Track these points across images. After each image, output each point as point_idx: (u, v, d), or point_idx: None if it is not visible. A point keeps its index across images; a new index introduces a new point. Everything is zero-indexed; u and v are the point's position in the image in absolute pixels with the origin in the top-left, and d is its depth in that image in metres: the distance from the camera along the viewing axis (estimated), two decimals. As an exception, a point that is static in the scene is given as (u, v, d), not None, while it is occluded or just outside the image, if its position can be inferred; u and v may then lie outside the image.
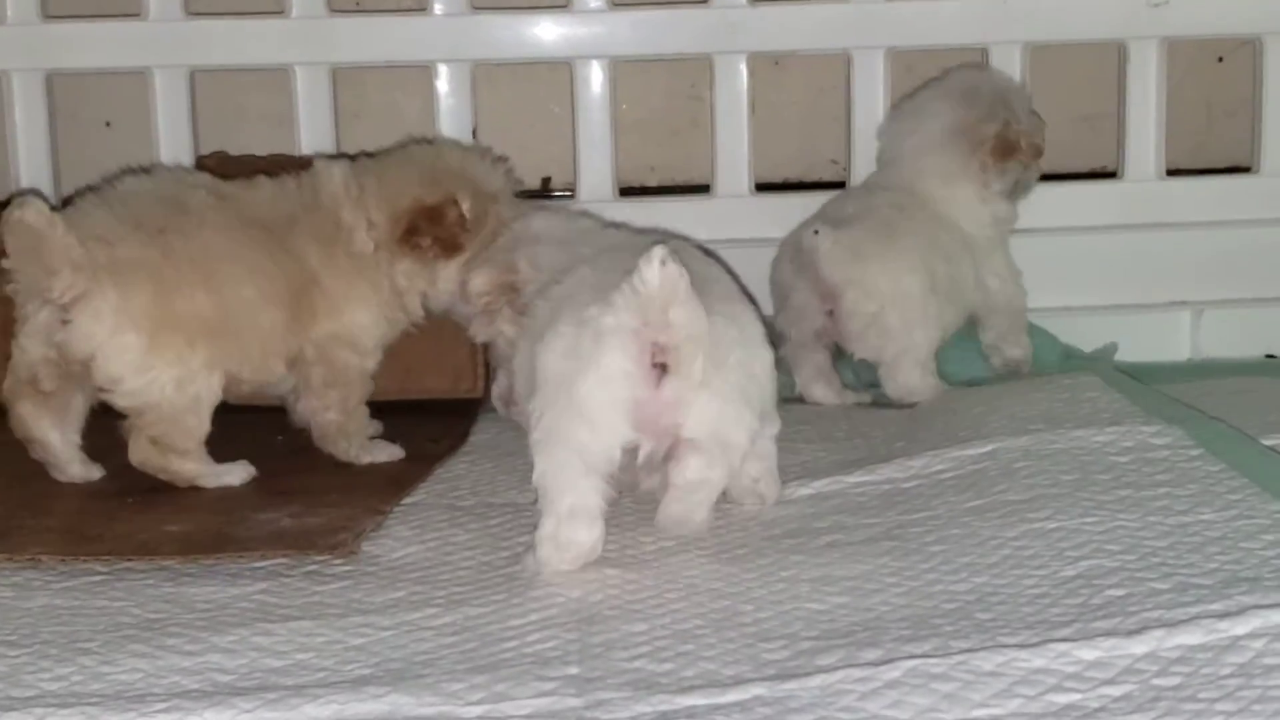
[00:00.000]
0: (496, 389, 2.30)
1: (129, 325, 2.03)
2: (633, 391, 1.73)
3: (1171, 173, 2.84)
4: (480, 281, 2.18)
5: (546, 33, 2.78)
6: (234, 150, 2.65)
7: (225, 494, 2.11)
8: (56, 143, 2.78)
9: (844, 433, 2.33)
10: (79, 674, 1.50)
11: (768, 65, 2.93)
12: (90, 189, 2.21)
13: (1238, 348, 2.78)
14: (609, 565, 1.77)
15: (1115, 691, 1.36)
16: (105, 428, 2.18)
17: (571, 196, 2.83)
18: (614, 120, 2.79)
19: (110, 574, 1.80)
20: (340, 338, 2.24)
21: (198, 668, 1.51)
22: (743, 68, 2.79)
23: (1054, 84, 2.85)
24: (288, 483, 2.14)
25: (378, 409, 2.39)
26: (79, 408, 2.13)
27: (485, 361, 2.54)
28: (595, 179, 2.80)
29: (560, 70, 2.82)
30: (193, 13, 2.75)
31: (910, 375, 2.46)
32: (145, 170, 2.29)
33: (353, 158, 2.39)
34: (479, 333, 2.25)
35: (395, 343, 2.37)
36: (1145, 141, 2.81)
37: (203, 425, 2.11)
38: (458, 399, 2.51)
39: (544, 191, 3.02)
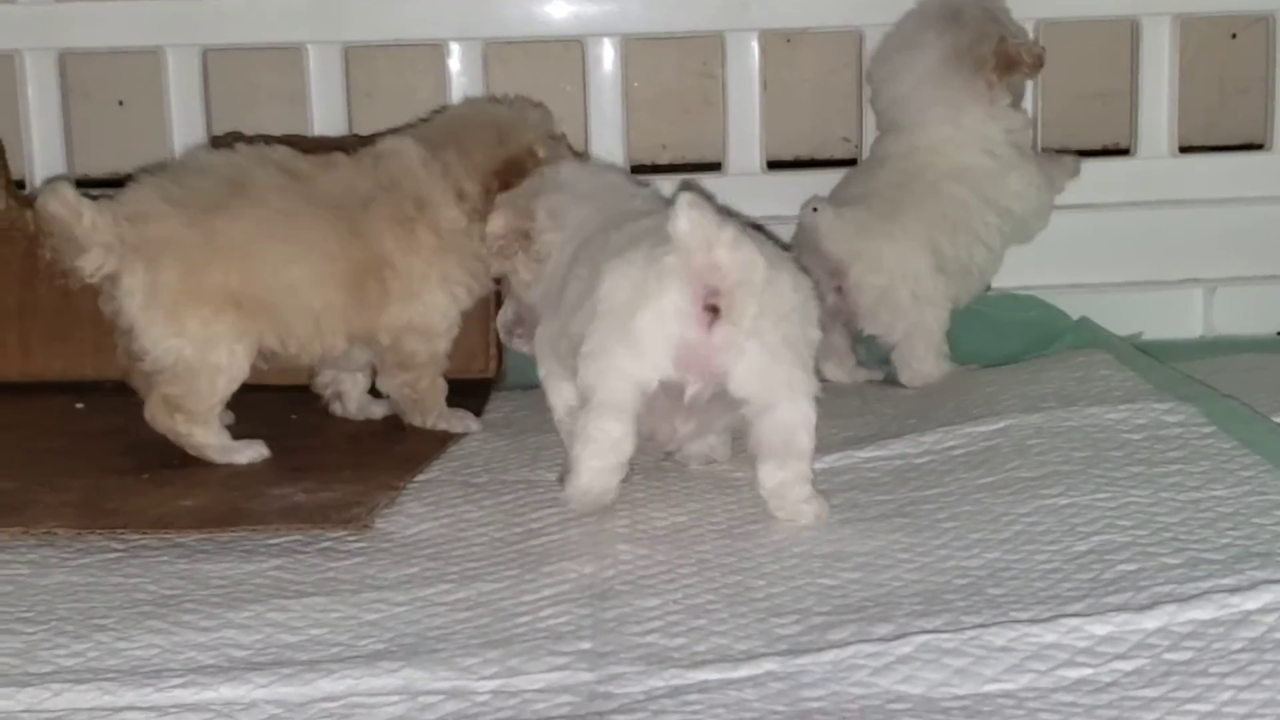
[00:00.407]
0: (502, 316, 2.30)
1: (156, 301, 2.08)
2: (683, 330, 1.78)
3: (1184, 150, 2.83)
4: (496, 225, 2.17)
5: (558, 10, 2.77)
6: (247, 130, 2.64)
7: (239, 470, 2.12)
8: (69, 122, 2.78)
9: (855, 409, 2.33)
10: (95, 650, 1.51)
11: (779, 43, 2.93)
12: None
13: (1250, 325, 2.78)
14: (621, 541, 1.78)
15: (1127, 666, 1.37)
16: (119, 405, 2.20)
17: (583, 174, 2.82)
18: (626, 98, 2.79)
19: (126, 550, 1.81)
20: (414, 325, 2.25)
21: (213, 643, 1.52)
22: (754, 45, 2.78)
23: (1067, 61, 2.84)
24: (302, 459, 2.15)
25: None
26: None
27: (498, 342, 2.54)
28: (607, 157, 2.79)
29: (572, 48, 2.82)
30: (206, -9, 2.76)
31: (925, 362, 2.45)
32: (228, 144, 2.31)
33: (397, 131, 2.39)
34: (494, 266, 2.25)
35: None
36: (1158, 118, 2.80)
37: (215, 392, 2.12)
38: (471, 378, 2.51)
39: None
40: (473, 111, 2.42)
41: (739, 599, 1.59)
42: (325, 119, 2.74)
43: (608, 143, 2.79)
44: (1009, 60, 2.54)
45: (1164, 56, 2.79)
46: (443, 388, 2.32)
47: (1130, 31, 2.82)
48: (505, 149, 2.28)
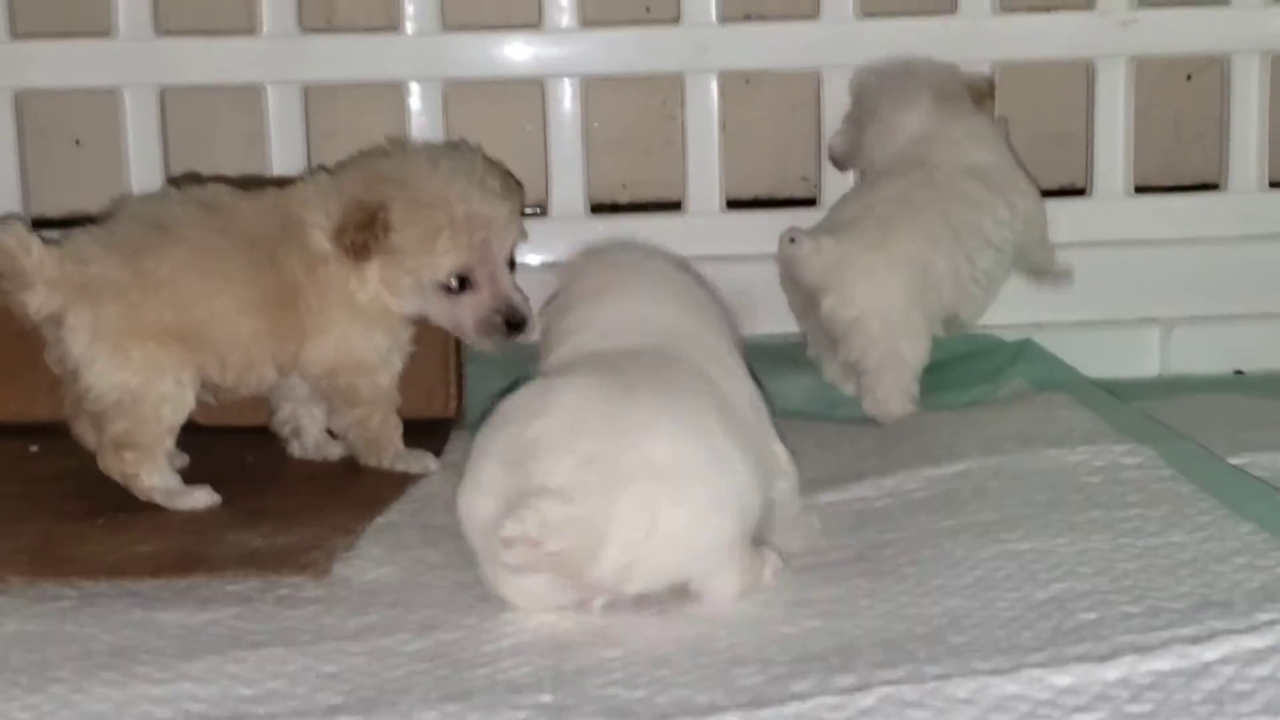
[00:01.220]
0: None
1: (100, 339, 2.09)
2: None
3: (1140, 190, 2.85)
4: None
5: (518, 51, 2.77)
6: (205, 170, 2.63)
7: (196, 515, 2.09)
8: (25, 162, 2.76)
9: (813, 448, 2.32)
10: (49, 703, 1.48)
11: (739, 84, 2.94)
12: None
13: (1206, 364, 2.80)
14: (582, 588, 1.77)
15: (1089, 718, 1.37)
16: (74, 448, 2.19)
17: (543, 214, 2.82)
18: (586, 138, 2.79)
19: (80, 598, 1.78)
20: (340, 361, 2.25)
21: (169, 696, 1.50)
22: (713, 86, 2.79)
23: (1023, 102, 2.87)
24: (259, 502, 2.13)
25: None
26: None
27: (459, 379, 2.54)
28: (567, 197, 2.80)
29: (532, 88, 2.82)
30: (163, 31, 2.74)
31: (888, 396, 2.46)
32: (163, 189, 2.39)
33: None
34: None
35: None
36: (1114, 159, 2.83)
37: (162, 422, 2.12)
38: (430, 418, 2.50)
39: (516, 209, 3.01)
40: (379, 153, 2.36)
41: (701, 649, 1.58)
42: (284, 159, 2.73)
43: (568, 182, 2.79)
44: (979, 94, 2.66)
45: (1119, 98, 2.81)
46: (396, 425, 2.31)
47: (1086, 73, 2.84)
48: (363, 192, 2.24)
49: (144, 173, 2.73)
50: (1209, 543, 1.78)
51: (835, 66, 2.78)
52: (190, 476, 2.14)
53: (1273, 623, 1.50)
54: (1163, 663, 1.44)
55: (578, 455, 1.60)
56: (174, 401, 2.12)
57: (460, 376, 2.55)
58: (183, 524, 2.06)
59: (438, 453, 2.37)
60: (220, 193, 2.25)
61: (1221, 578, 1.67)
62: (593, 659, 1.56)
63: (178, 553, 1.93)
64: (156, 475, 2.12)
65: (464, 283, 2.25)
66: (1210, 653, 1.45)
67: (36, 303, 2.08)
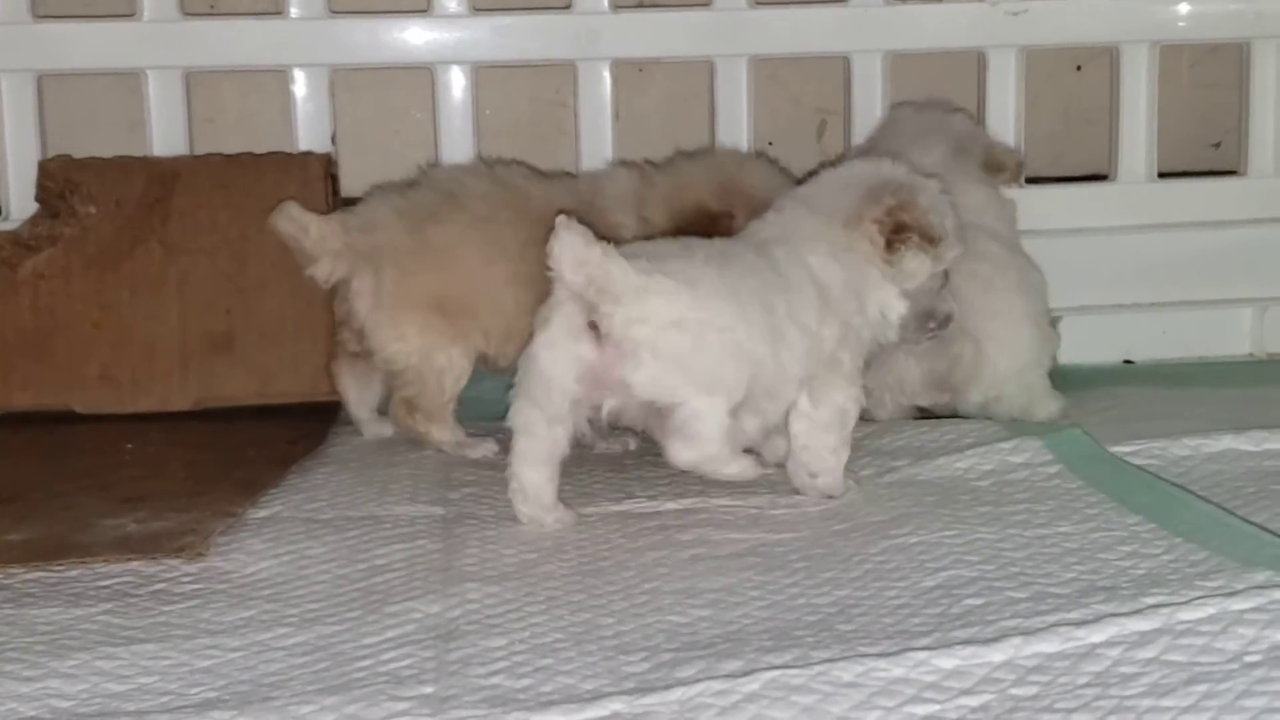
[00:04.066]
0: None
1: (382, 303, 2.29)
2: (576, 351, 1.86)
3: (1031, 180, 2.86)
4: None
5: (407, 37, 2.73)
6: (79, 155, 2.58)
7: (71, 502, 2.04)
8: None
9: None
10: (-88, 701, 1.44)
11: (631, 72, 2.92)
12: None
13: (1095, 354, 2.81)
14: (469, 579, 1.74)
15: (973, 702, 1.36)
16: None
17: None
18: (477, 126, 2.76)
19: (-52, 594, 1.73)
20: None
21: (36, 694, 1.46)
22: (606, 75, 2.77)
23: (914, 92, 2.86)
24: (135, 488, 2.09)
25: (233, 413, 2.39)
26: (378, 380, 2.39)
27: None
28: (457, 185, 2.76)
29: (422, 76, 2.78)
30: (40, 15, 2.67)
31: None
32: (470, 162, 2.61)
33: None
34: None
35: (251, 347, 2.48)
36: (1004, 149, 2.84)
37: (445, 392, 2.31)
38: (316, 401, 2.47)
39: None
40: (712, 158, 2.50)
41: (587, 637, 1.56)
42: (165, 145, 2.66)
43: (459, 170, 2.75)
44: (995, 165, 2.61)
45: (1010, 88, 2.82)
46: None
47: (977, 63, 2.85)
48: (709, 198, 2.37)
49: (20, 158, 2.65)
50: (1096, 533, 1.80)
51: (728, 56, 2.76)
52: (66, 467, 2.09)
53: (1159, 606, 1.52)
54: (1048, 645, 1.45)
55: (655, 276, 1.86)
56: (453, 371, 2.32)
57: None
58: (56, 512, 2.00)
59: (323, 436, 2.34)
60: (516, 172, 2.44)
61: (1108, 565, 1.69)
62: (477, 649, 1.54)
63: (49, 540, 1.88)
64: (446, 433, 2.32)
65: None
66: (1096, 635, 1.46)
67: (323, 274, 2.30)
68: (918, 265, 2.08)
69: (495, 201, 2.36)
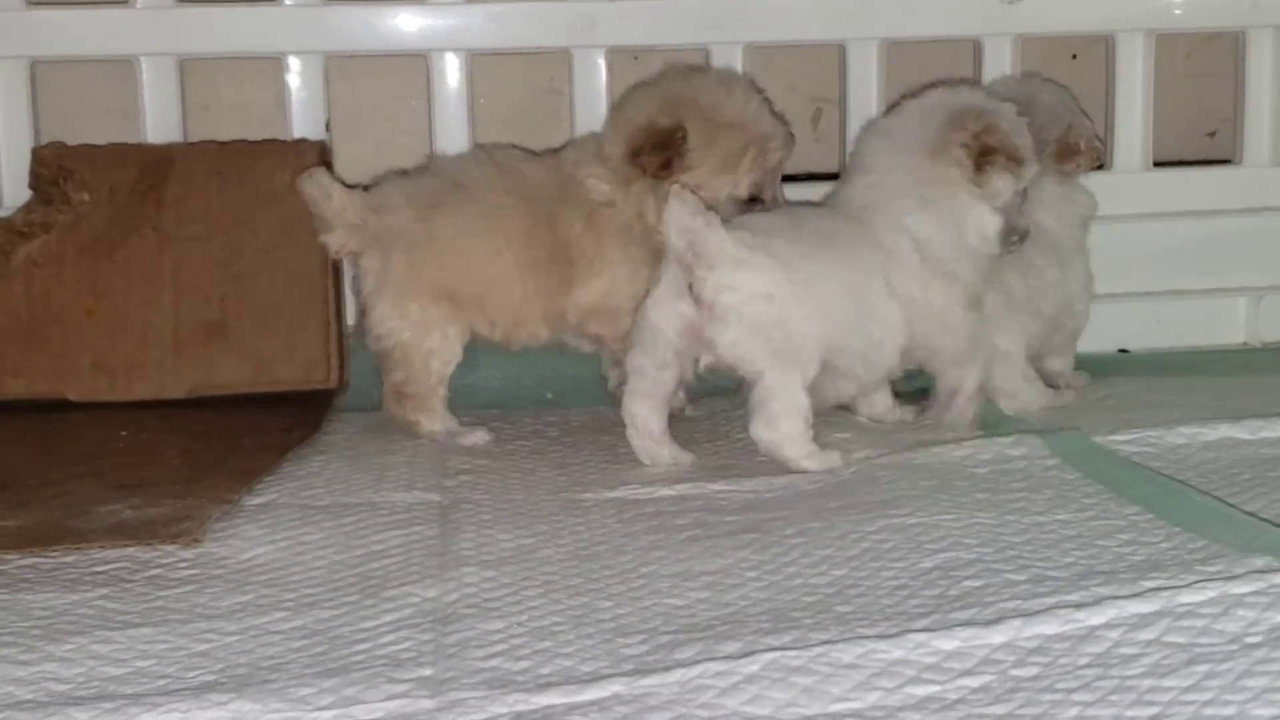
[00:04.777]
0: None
1: (384, 288, 2.32)
2: (678, 308, 2.08)
3: (1026, 169, 2.86)
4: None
5: (401, 24, 2.72)
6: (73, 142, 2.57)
7: (65, 490, 2.03)
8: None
9: (706, 434, 2.34)
10: (-92, 685, 1.43)
11: (626, 60, 2.91)
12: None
13: (1091, 343, 2.80)
14: (466, 564, 1.74)
15: (973, 683, 1.36)
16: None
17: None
18: (472, 114, 2.75)
19: (-57, 579, 1.72)
20: (596, 309, 2.39)
21: (33, 677, 1.45)
22: (601, 62, 2.76)
23: (910, 82, 2.85)
24: (130, 475, 2.08)
25: (227, 401, 2.38)
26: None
27: (340, 350, 2.50)
28: (453, 173, 2.75)
29: (417, 63, 2.77)
30: (34, 2, 2.66)
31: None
32: (470, 150, 2.58)
33: None
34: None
35: (246, 334, 2.46)
36: (1001, 138, 2.83)
37: (431, 374, 2.32)
38: (311, 389, 2.46)
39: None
40: (664, 74, 2.48)
41: (585, 620, 1.56)
42: (159, 132, 2.65)
43: (454, 159, 2.74)
44: (1068, 149, 2.54)
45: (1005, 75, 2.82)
46: None
47: (973, 51, 2.84)
48: (657, 113, 2.35)
49: (13, 146, 2.64)
50: (1094, 521, 1.80)
51: (723, 43, 2.76)
52: (61, 454, 2.08)
53: (1159, 590, 1.51)
54: (1048, 627, 1.44)
55: (754, 250, 2.07)
56: (441, 354, 2.33)
57: (342, 347, 2.51)
58: (50, 499, 1.99)
59: (318, 425, 2.33)
60: (513, 156, 2.45)
61: (1106, 550, 1.68)
62: (475, 632, 1.54)
63: (45, 526, 1.87)
64: (436, 422, 2.33)
65: (753, 198, 2.38)
66: (1095, 617, 1.45)
67: (336, 243, 2.33)
68: (1003, 184, 2.25)
69: (500, 190, 2.37)
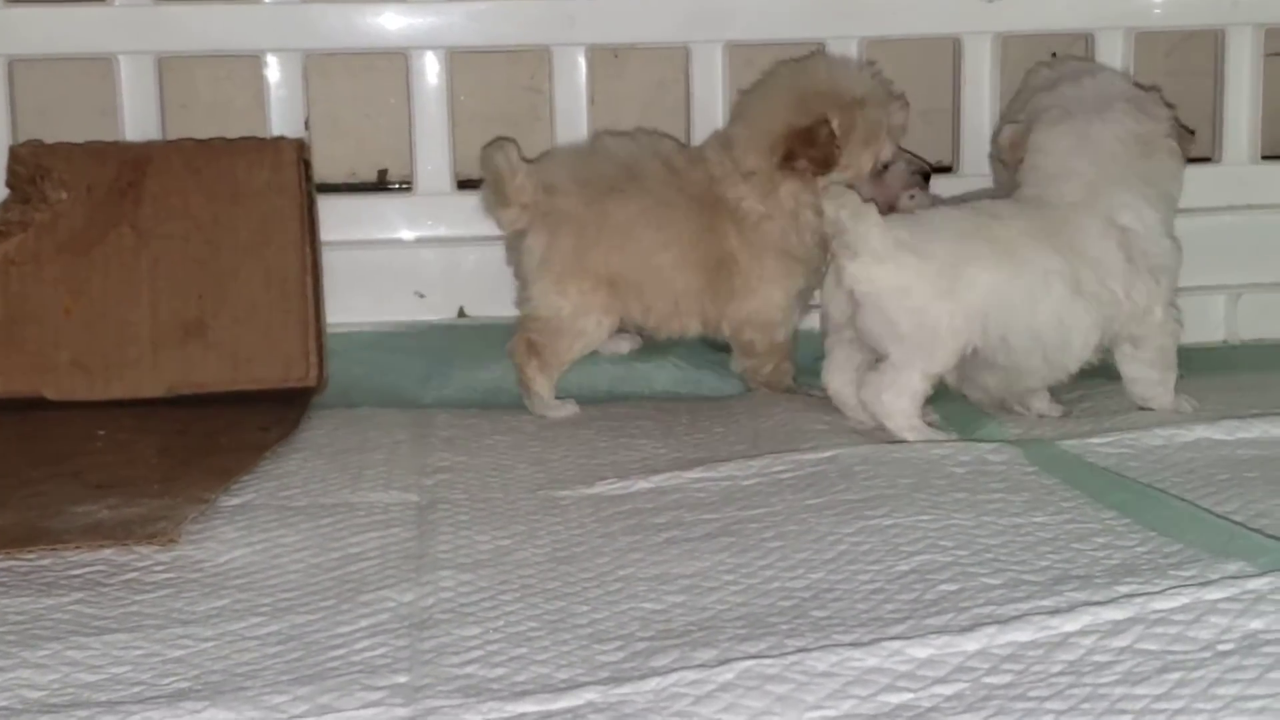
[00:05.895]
0: None
1: (547, 267, 2.41)
2: (838, 294, 2.29)
3: (1007, 166, 2.86)
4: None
5: (381, 22, 2.71)
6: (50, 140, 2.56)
7: (42, 489, 2.03)
8: None
9: (685, 426, 2.35)
10: (-120, 692, 1.42)
11: (607, 57, 2.91)
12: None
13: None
14: (443, 567, 1.74)
15: (947, 690, 1.36)
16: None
17: (408, 189, 2.78)
18: (452, 112, 2.74)
19: (-82, 583, 1.72)
20: (752, 320, 2.52)
21: (7, 684, 1.45)
22: (581, 60, 2.75)
23: (891, 79, 2.86)
24: (107, 475, 2.08)
25: (206, 400, 2.37)
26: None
27: (319, 348, 2.49)
28: (433, 171, 2.74)
29: (396, 60, 2.76)
30: (11, 0, 2.65)
31: None
32: (628, 133, 2.61)
33: None
34: None
35: (224, 333, 2.45)
36: (980, 136, 2.83)
37: (571, 352, 2.45)
38: (289, 388, 2.46)
39: (380, 184, 2.96)
40: (776, 75, 2.56)
41: (561, 626, 1.56)
42: (137, 130, 2.65)
43: (434, 157, 2.74)
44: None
45: (985, 75, 2.82)
46: (787, 371, 2.56)
47: (953, 49, 2.85)
48: (793, 116, 2.44)
49: (-9, 142, 2.63)
50: (1070, 524, 1.80)
51: (703, 41, 2.75)
52: (37, 453, 2.08)
53: (1133, 595, 1.52)
54: (1022, 634, 1.44)
55: (899, 249, 2.23)
56: (589, 338, 2.46)
57: (320, 345, 2.50)
58: (26, 499, 1.99)
59: (296, 423, 2.32)
60: (671, 149, 2.55)
61: (1082, 554, 1.69)
62: (451, 638, 1.54)
63: (20, 527, 1.87)
64: (546, 388, 2.44)
65: (885, 165, 2.51)
66: (1070, 624, 1.46)
67: (509, 219, 2.42)
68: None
69: (671, 185, 2.47)
